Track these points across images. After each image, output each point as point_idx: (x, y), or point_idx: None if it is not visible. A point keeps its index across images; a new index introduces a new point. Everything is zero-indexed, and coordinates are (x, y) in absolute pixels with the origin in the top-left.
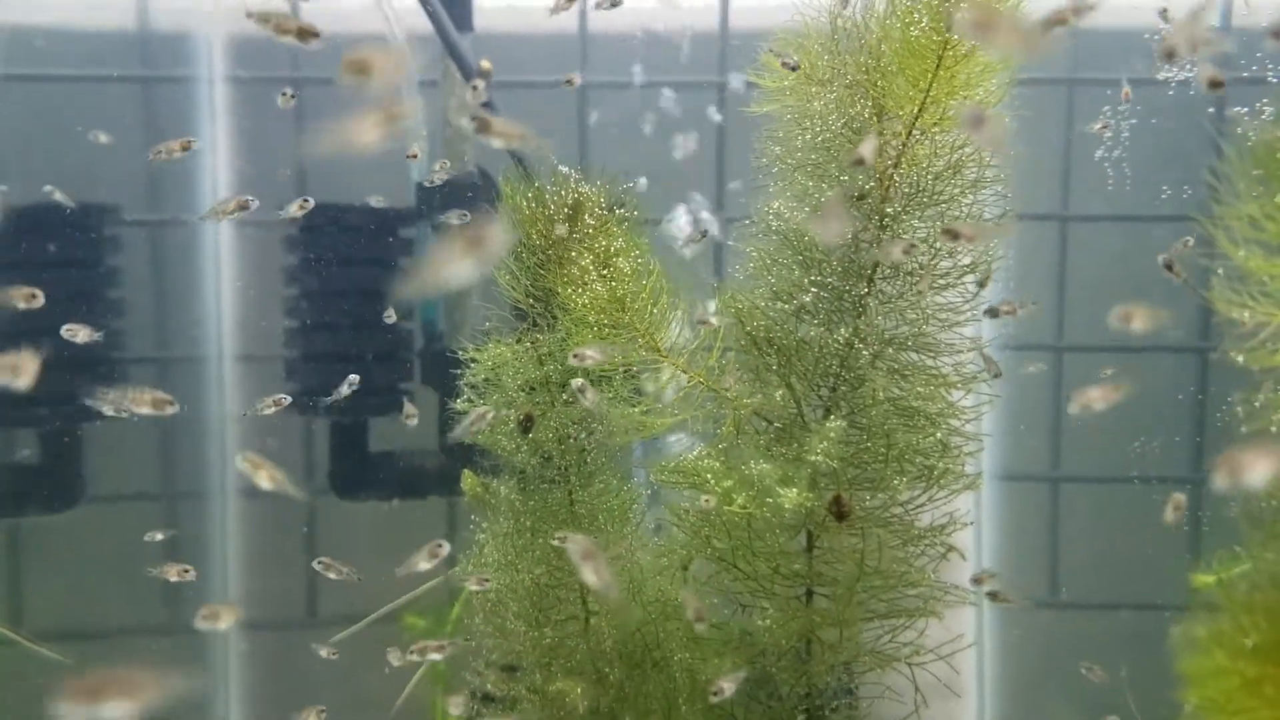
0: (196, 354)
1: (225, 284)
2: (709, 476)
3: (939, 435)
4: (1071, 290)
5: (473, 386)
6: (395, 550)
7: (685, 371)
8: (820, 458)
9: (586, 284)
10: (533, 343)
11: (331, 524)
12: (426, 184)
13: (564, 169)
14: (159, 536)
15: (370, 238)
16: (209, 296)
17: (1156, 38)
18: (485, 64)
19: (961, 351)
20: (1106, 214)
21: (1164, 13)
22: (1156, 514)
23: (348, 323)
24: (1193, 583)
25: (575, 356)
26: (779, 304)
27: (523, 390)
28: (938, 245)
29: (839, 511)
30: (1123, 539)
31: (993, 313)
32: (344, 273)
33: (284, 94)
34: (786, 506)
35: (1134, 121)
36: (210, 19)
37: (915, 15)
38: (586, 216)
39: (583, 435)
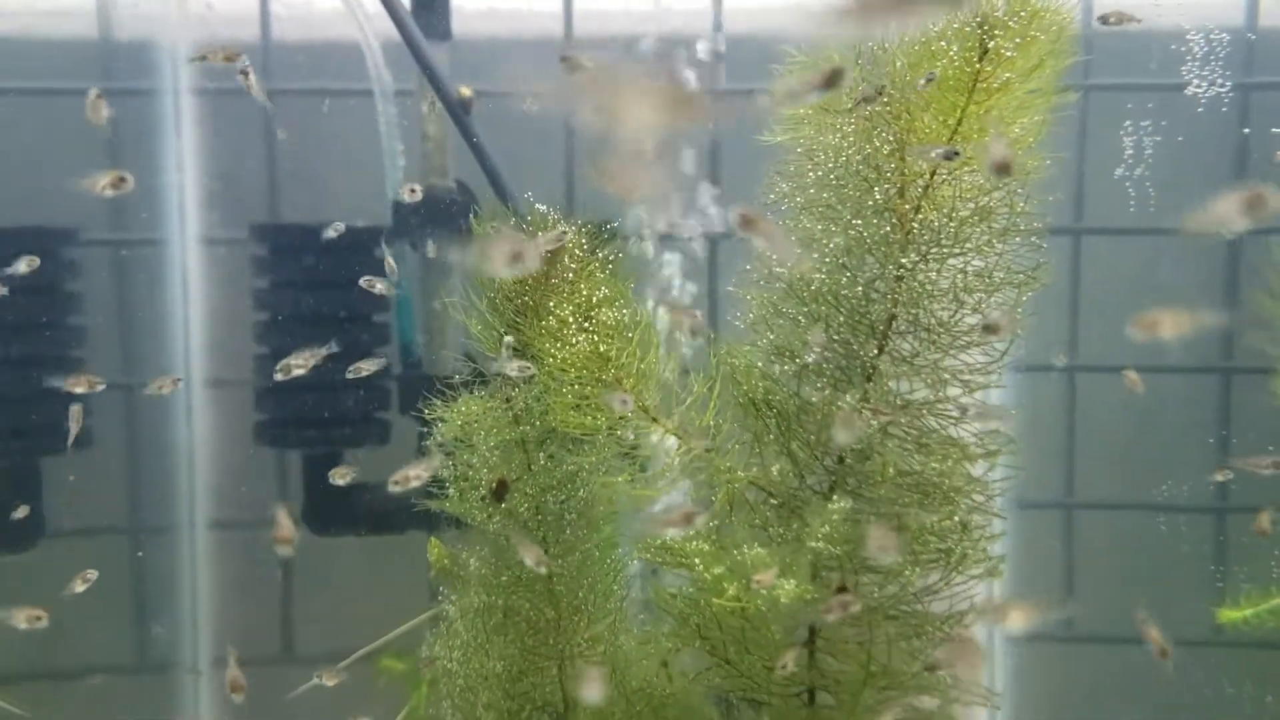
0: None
1: (193, 307)
2: (697, 561)
3: (959, 516)
4: (1084, 308)
5: (440, 445)
6: (375, 585)
7: (676, 435)
8: (822, 544)
9: (566, 337)
10: (507, 399)
11: (308, 557)
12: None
13: (542, 207)
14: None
15: (345, 259)
16: (176, 320)
17: (1181, 45)
18: (465, 90)
19: (986, 419)
20: (1118, 228)
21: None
22: (1177, 544)
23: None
24: (1219, 618)
25: None
26: (781, 363)
27: (496, 450)
28: (962, 299)
29: (843, 605)
30: (1142, 570)
31: None
32: (316, 297)
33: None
34: (784, 600)
35: (1158, 138)
36: (175, 27)
37: (944, 44)
38: (566, 259)
39: (563, 500)
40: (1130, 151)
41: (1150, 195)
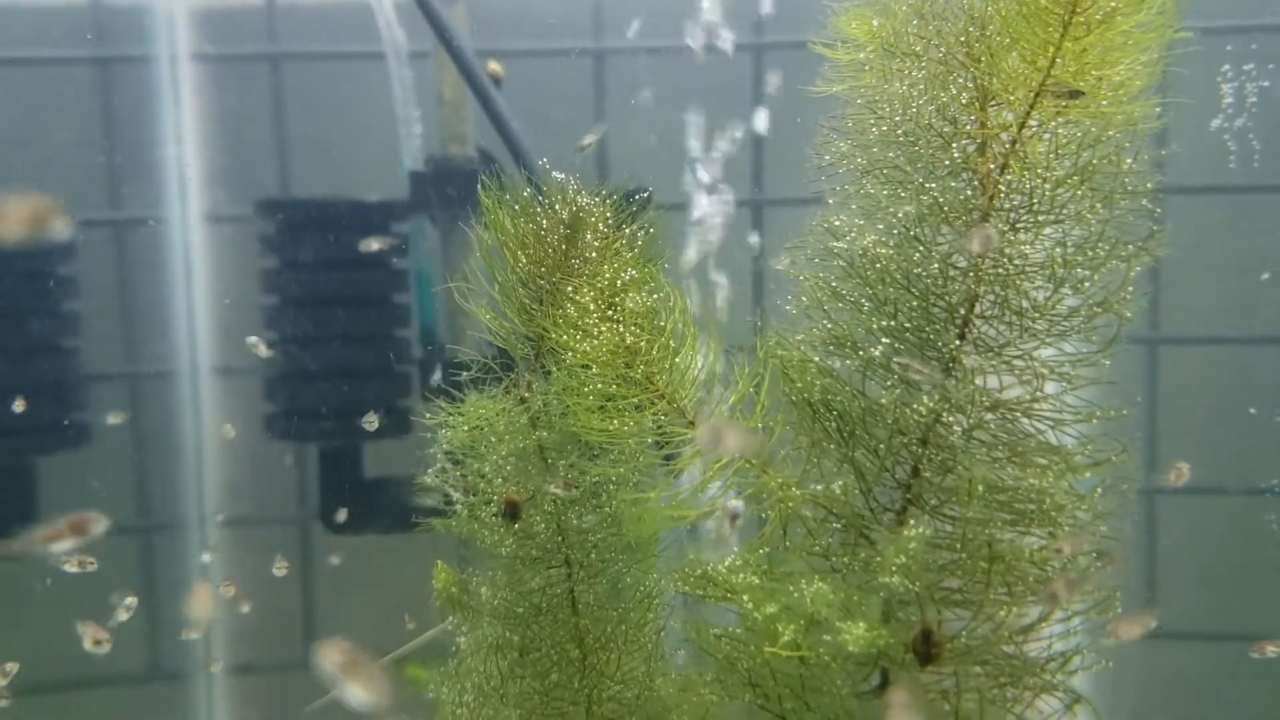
0: (167, 369)
1: (197, 289)
2: (745, 598)
3: (1062, 545)
4: (1167, 273)
5: (448, 453)
6: (401, 583)
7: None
8: (897, 579)
9: (587, 327)
10: (521, 399)
11: (330, 554)
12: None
13: (560, 175)
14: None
15: (359, 235)
16: (179, 305)
17: None
18: (494, 66)
19: (1092, 417)
20: (1207, 185)
21: None
22: (1272, 531)
23: (334, 334)
24: None
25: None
26: (841, 356)
27: (510, 460)
28: (1060, 277)
29: (926, 651)
30: (1231, 558)
31: None
32: (329, 277)
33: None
34: (851, 649)
35: (1265, 84)
36: None
37: None
38: (589, 235)
39: (587, 516)
40: (1230, 100)
41: (1255, 149)
